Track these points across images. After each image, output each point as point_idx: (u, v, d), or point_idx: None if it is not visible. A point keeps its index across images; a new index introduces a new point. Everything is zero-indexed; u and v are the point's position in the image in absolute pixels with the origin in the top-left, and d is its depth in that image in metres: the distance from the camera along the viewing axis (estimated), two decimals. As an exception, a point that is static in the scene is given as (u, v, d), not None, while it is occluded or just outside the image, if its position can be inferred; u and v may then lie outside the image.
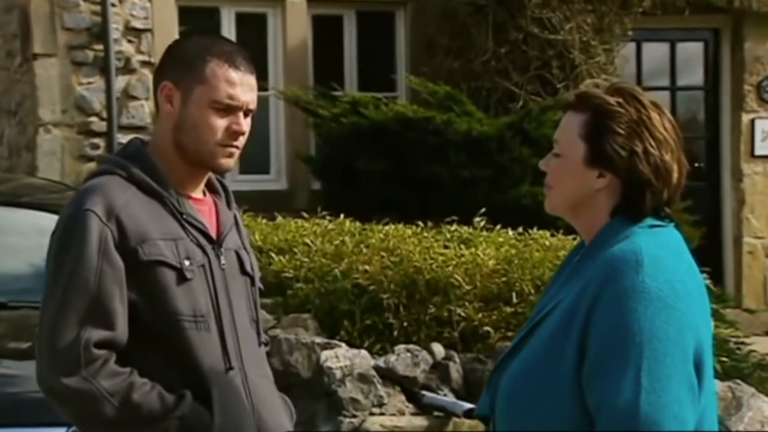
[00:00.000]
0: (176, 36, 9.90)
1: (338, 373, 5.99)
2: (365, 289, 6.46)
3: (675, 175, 2.16)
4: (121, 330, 2.36)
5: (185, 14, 10.07)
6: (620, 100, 2.17)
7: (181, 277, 2.40)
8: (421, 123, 8.61)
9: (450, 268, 6.48)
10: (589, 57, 9.33)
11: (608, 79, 2.35)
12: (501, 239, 7.01)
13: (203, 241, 2.48)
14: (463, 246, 6.88)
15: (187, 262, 2.43)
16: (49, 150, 9.59)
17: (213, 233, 2.52)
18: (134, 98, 9.80)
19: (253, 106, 2.53)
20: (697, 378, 2.03)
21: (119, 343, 2.35)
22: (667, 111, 2.22)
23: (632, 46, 10.27)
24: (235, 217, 2.62)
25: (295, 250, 7.04)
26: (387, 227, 7.22)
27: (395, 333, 6.39)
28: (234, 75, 2.46)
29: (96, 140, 9.65)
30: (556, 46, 9.42)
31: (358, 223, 7.45)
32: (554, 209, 2.23)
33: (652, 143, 2.14)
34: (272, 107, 10.28)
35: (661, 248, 2.09)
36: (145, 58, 9.80)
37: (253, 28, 10.44)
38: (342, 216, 7.62)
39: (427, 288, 6.45)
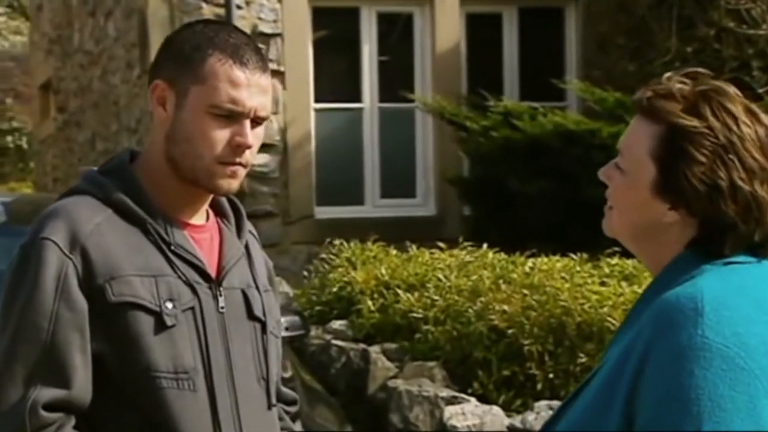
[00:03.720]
0: (309, 41, 9.86)
1: (464, 434, 5.79)
2: (503, 333, 6.31)
3: None
4: (81, 388, 2.15)
5: (320, 16, 10.02)
6: (705, 112, 1.93)
7: (160, 324, 2.19)
8: (585, 136, 8.26)
9: (605, 309, 6.21)
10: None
11: (702, 74, 2.03)
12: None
13: (196, 278, 2.26)
14: (624, 283, 6.59)
15: (168, 305, 2.20)
16: (166, 171, 9.63)
17: (211, 268, 2.29)
18: (261, 112, 9.77)
19: (263, 113, 2.28)
20: None
21: (78, 404, 2.14)
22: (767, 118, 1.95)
23: None
24: (247, 247, 2.39)
25: (428, 285, 6.87)
26: (532, 260, 6.97)
27: (538, 386, 6.18)
28: (239, 73, 2.23)
29: (218, 160, 9.64)
30: (757, 42, 8.98)
31: (503, 255, 7.22)
32: (614, 234, 2.04)
33: (742, 175, 1.91)
34: (419, 121, 10.13)
35: (731, 292, 1.86)
36: (274, 66, 9.77)
37: (397, 30, 10.31)
38: (485, 246, 7.40)
39: (577, 333, 6.22)
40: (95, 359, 2.17)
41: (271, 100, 2.30)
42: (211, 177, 2.26)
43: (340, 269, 7.35)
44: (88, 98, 12.45)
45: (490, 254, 7.25)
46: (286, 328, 5.62)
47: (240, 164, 2.27)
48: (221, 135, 2.25)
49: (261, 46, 9.24)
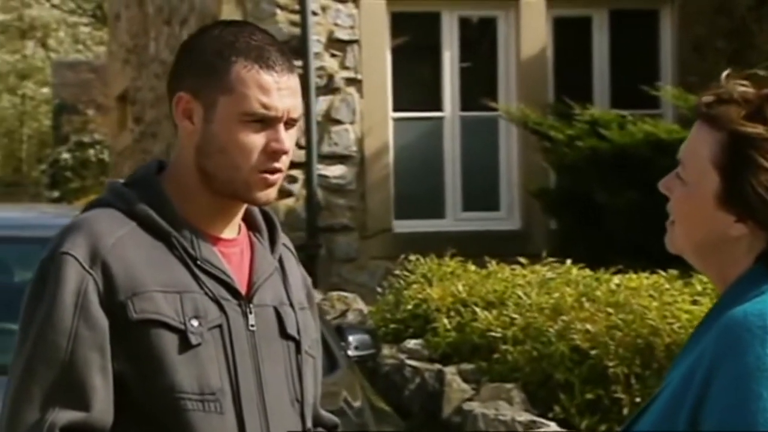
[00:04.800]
0: (387, 48, 9.86)
1: (543, 460, 5.73)
2: (586, 354, 6.24)
3: None
4: (101, 410, 2.12)
5: (399, 21, 10.02)
6: None
7: (185, 342, 2.16)
8: (677, 146, 8.10)
9: (696, 329, 6.08)
10: None
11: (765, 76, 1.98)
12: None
13: (223, 295, 2.23)
14: (717, 301, 6.46)
15: (194, 323, 2.17)
16: (239, 184, 9.68)
17: (241, 284, 2.26)
18: (337, 122, 9.80)
19: (296, 114, 2.26)
20: None
21: (98, 427, 2.12)
22: None
23: None
24: (281, 262, 2.36)
25: (507, 303, 6.82)
26: (618, 276, 6.88)
27: (624, 411, 6.09)
28: (267, 77, 2.22)
29: (293, 172, 9.68)
30: None
31: (587, 271, 7.14)
32: (677, 250, 2.00)
33: None
34: (502, 131, 10.07)
35: None
36: (351, 74, 9.79)
37: (480, 36, 10.27)
38: (569, 262, 7.32)
39: (666, 354, 6.15)
40: (116, 380, 2.15)
41: (300, 100, 2.28)
42: (249, 187, 2.24)
43: (415, 285, 7.31)
44: (163, 109, 12.57)
45: (574, 270, 7.18)
46: (356, 347, 5.59)
47: (278, 170, 2.25)
48: (256, 142, 2.23)
49: (337, 53, 9.14)
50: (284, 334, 2.29)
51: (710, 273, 1.98)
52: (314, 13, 9.71)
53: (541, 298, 6.72)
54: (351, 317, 7.47)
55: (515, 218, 10.03)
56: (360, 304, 7.72)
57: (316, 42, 9.71)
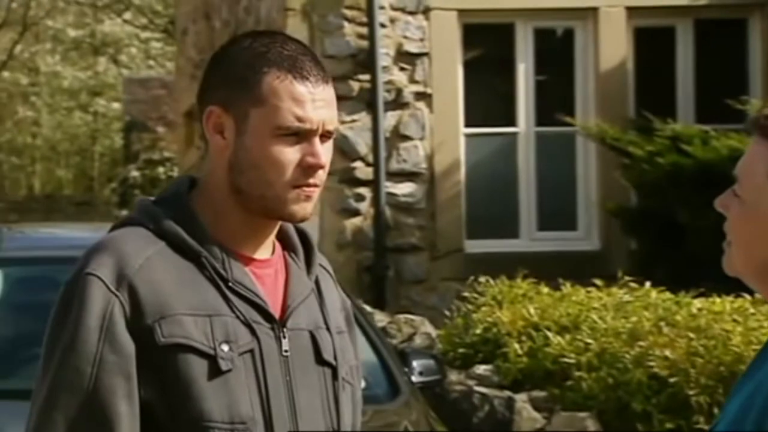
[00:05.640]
0: (459, 61, 9.84)
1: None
2: (665, 382, 6.20)
3: None
4: None
5: (471, 33, 10.00)
6: None
7: (215, 368, 2.14)
8: (764, 162, 8.05)
9: (782, 356, 5.99)
10: None
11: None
12: None
13: (255, 318, 2.21)
14: (808, 327, 6.39)
15: (224, 348, 2.16)
16: (304, 202, 9.70)
17: (275, 307, 2.24)
18: (407, 138, 9.78)
19: (331, 126, 2.24)
20: None
21: None
22: None
23: None
24: (317, 284, 2.33)
25: (582, 327, 6.77)
26: (699, 300, 6.80)
27: (705, 442, 6.00)
28: (301, 88, 2.20)
29: (361, 190, 9.69)
30: None
31: (667, 294, 7.06)
32: (735, 273, 1.98)
33: None
34: (579, 147, 10.00)
35: None
36: (421, 88, 9.78)
37: (556, 48, 10.22)
38: (648, 284, 7.25)
39: None
40: (143, 407, 2.14)
41: (336, 111, 2.26)
42: (284, 204, 2.22)
43: (484, 308, 7.28)
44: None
45: (653, 293, 7.11)
46: (420, 373, 5.57)
47: (314, 185, 2.23)
48: (291, 157, 2.21)
49: (406, 66, 9.10)
50: (320, 359, 2.27)
51: None
52: (382, 26, 9.72)
53: (618, 322, 6.68)
54: (418, 341, 7.45)
55: (593, 238, 9.94)
56: (428, 328, 7.69)
57: (385, 55, 9.71)
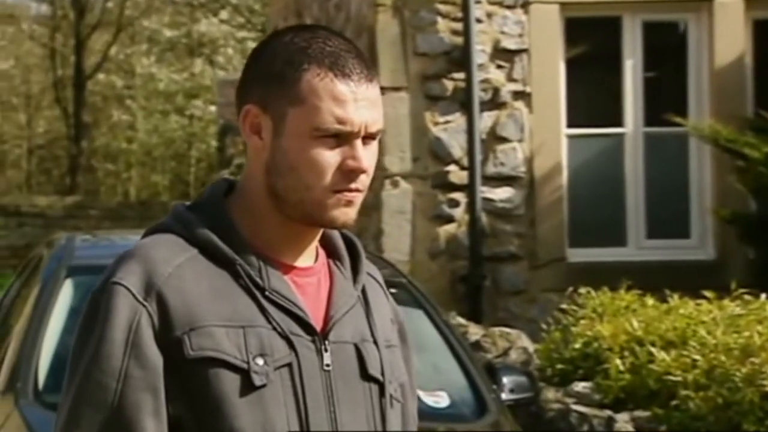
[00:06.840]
0: (561, 57, 9.77)
1: None
2: None
3: None
4: None
5: (574, 27, 9.92)
6: None
7: (248, 383, 2.12)
8: None
9: None
10: None
11: None
12: None
13: (294, 330, 2.18)
14: None
15: (259, 361, 2.13)
16: (397, 208, 9.71)
17: (316, 318, 2.21)
18: (504, 140, 9.74)
19: (375, 127, 2.21)
20: None
21: None
22: None
23: None
24: (364, 293, 2.30)
25: (690, 343, 6.66)
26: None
27: (824, 468, 5.87)
28: (342, 87, 2.18)
29: (455, 195, 9.65)
30: None
31: (786, 307, 6.94)
32: None
33: None
34: (692, 149, 9.87)
35: None
36: (519, 87, 9.73)
37: (666, 42, 10.11)
38: (763, 296, 7.12)
39: None
40: (171, 424, 2.13)
41: (382, 112, 2.22)
42: (323, 209, 2.19)
43: (584, 321, 7.19)
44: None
45: (768, 306, 6.98)
46: (511, 390, 5.51)
47: (356, 190, 2.20)
48: (330, 160, 2.19)
49: (504, 64, 9.06)
50: (365, 374, 2.23)
51: None
52: (479, 21, 9.68)
53: (729, 338, 6.56)
54: (514, 356, 7.39)
55: (708, 247, 9.80)
56: (525, 342, 7.63)
57: (481, 52, 9.67)
